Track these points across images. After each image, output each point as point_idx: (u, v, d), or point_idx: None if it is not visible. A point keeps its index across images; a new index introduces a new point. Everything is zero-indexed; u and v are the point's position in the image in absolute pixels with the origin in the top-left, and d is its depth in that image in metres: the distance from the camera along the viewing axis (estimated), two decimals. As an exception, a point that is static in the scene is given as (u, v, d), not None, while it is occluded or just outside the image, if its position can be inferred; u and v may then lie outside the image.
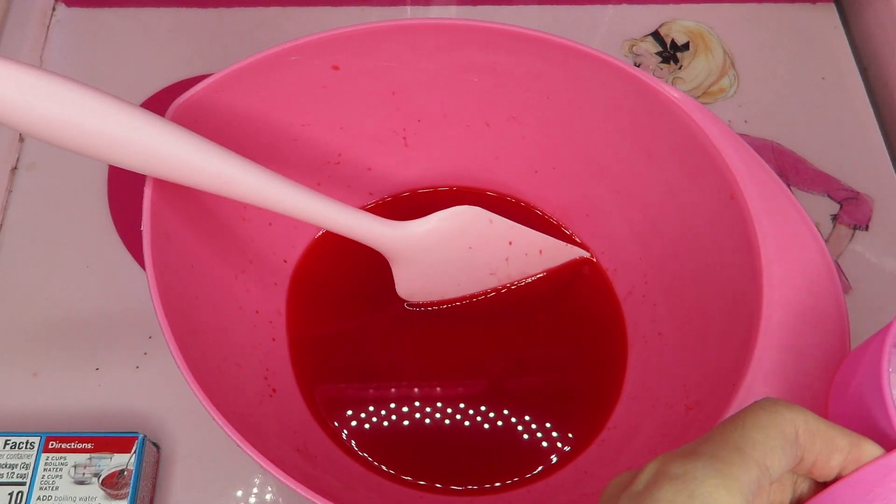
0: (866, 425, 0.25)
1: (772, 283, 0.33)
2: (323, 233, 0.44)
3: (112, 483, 0.38)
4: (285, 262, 0.43)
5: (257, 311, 0.41)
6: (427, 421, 0.40)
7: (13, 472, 0.38)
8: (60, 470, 0.38)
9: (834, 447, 0.22)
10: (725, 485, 0.20)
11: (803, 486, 0.23)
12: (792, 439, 0.21)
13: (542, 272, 0.44)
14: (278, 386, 0.39)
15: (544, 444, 0.39)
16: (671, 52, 0.55)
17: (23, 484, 0.38)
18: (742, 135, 0.50)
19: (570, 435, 0.40)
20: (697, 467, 0.20)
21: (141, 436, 0.39)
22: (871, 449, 0.23)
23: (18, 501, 0.37)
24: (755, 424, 0.21)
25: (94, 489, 0.38)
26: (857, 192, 0.50)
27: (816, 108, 0.53)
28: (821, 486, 0.23)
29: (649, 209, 0.41)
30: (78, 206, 0.48)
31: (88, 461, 0.38)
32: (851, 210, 0.49)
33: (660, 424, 0.37)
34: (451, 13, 0.56)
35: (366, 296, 0.44)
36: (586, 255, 0.45)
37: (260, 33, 0.54)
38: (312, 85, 0.38)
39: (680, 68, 0.54)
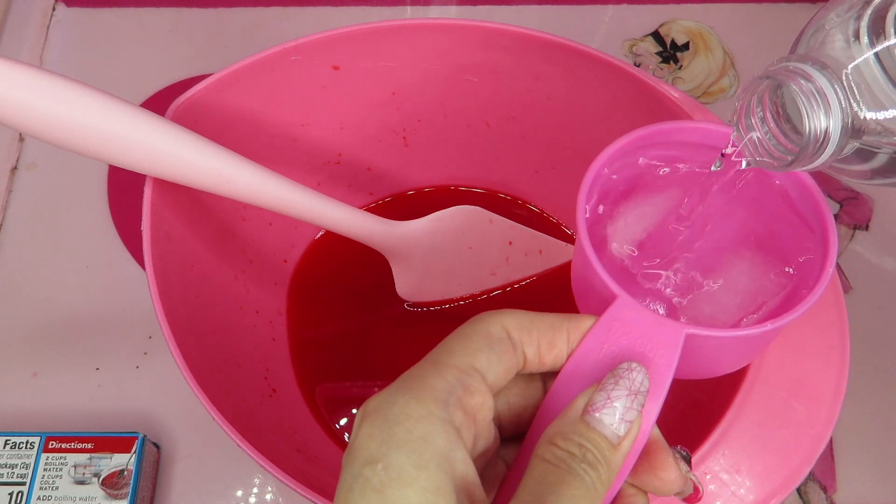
0: (596, 301, 0.25)
1: (772, 283, 0.33)
2: (323, 233, 0.44)
3: (112, 483, 0.38)
4: (285, 262, 0.43)
5: (257, 311, 0.41)
6: (427, 421, 0.40)
7: (13, 472, 0.38)
8: (60, 470, 0.38)
9: (554, 330, 0.23)
10: (416, 396, 0.20)
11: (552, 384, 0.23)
12: (501, 338, 0.22)
13: (543, 272, 0.44)
14: (278, 386, 0.39)
15: (544, 444, 0.39)
16: (671, 52, 0.55)
17: (23, 484, 0.38)
18: (742, 135, 0.50)
19: (570, 435, 0.40)
20: (390, 393, 0.21)
21: (141, 436, 0.39)
22: (587, 318, 0.23)
23: (18, 501, 0.37)
24: (455, 336, 0.22)
25: (94, 489, 0.38)
26: (857, 192, 0.50)
27: (816, 108, 0.53)
28: None
29: (649, 209, 0.41)
30: (78, 206, 0.48)
31: (88, 461, 0.38)
32: (851, 210, 0.49)
33: (659, 424, 0.37)
34: (451, 13, 0.56)
35: (366, 296, 0.44)
36: (586, 255, 0.45)
37: (260, 33, 0.54)
38: (312, 85, 0.38)
39: (680, 68, 0.54)
